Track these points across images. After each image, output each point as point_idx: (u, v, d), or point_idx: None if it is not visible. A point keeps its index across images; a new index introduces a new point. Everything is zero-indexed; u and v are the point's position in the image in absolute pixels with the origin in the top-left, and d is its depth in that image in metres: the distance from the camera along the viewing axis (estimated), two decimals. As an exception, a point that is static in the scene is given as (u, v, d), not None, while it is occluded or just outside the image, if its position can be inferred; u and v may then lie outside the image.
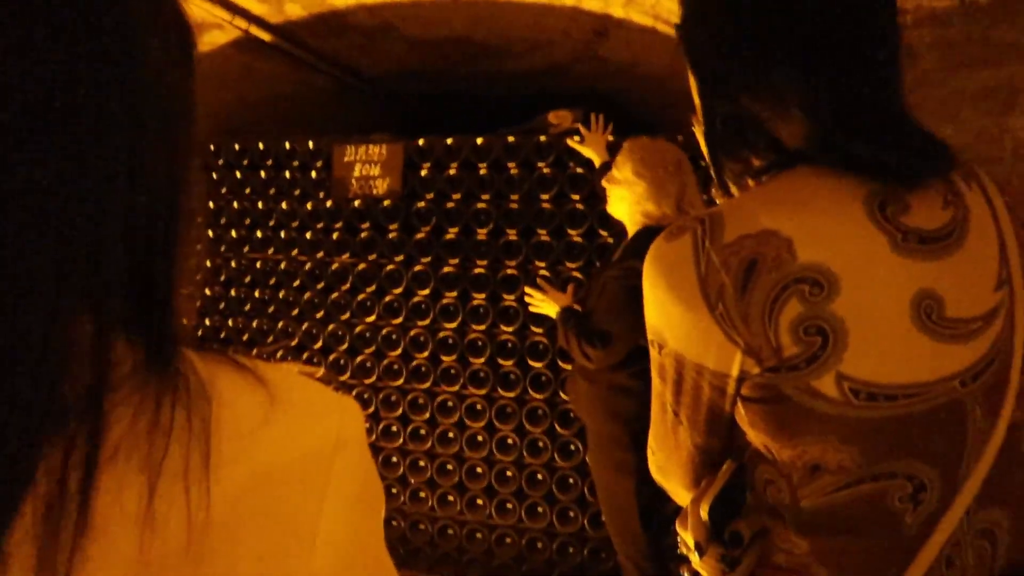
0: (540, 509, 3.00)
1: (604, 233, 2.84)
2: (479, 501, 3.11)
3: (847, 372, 0.64)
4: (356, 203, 3.26)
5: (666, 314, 0.72)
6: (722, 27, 0.74)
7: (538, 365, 2.97)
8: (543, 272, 2.95)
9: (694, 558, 0.79)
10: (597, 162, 2.62)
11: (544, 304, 2.36)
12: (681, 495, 0.85)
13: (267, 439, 0.45)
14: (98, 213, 0.40)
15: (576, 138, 2.73)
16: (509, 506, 3.06)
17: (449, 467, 3.16)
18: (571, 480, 2.95)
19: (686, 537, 0.81)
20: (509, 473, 3.05)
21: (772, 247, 0.66)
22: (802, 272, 0.65)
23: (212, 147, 3.49)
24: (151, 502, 0.39)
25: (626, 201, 2.16)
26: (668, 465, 0.83)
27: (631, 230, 2.20)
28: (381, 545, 0.52)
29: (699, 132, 0.81)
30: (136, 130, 0.42)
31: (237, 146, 3.46)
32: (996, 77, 1.78)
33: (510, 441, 3.04)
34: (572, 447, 2.93)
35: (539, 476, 3.00)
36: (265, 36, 3.21)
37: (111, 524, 0.38)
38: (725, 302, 0.67)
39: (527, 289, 2.43)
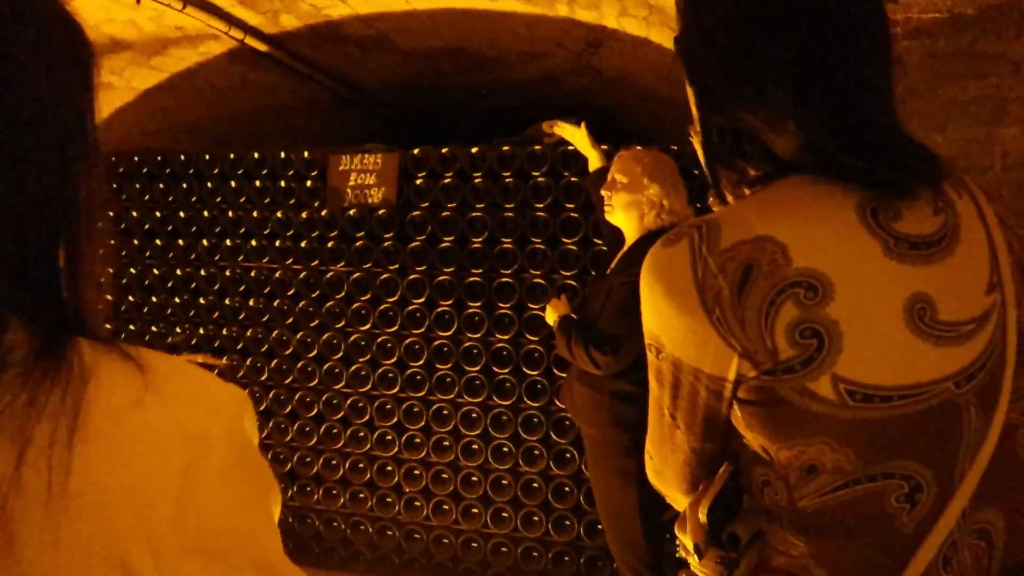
0: (536, 518, 3.00)
1: (598, 241, 2.86)
2: (475, 510, 3.11)
3: (842, 374, 0.66)
4: (351, 212, 3.27)
5: (663, 319, 0.73)
6: (718, 43, 0.75)
7: (533, 373, 2.97)
8: (537, 280, 2.97)
9: (693, 561, 0.80)
10: (592, 165, 2.53)
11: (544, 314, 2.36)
12: (678, 499, 0.86)
13: (137, 421, 0.48)
14: None
15: (560, 125, 2.62)
16: (505, 515, 3.06)
17: (444, 476, 3.15)
18: (567, 488, 2.95)
19: (685, 540, 0.82)
20: (505, 482, 3.05)
21: (767, 253, 0.67)
22: (797, 277, 0.66)
23: (208, 157, 3.49)
24: (18, 469, 0.43)
25: (635, 206, 2.16)
26: (665, 469, 0.84)
27: (631, 237, 2.21)
28: (260, 534, 0.52)
29: (696, 143, 0.83)
30: (11, 132, 0.47)
31: (232, 155, 3.47)
32: (984, 88, 1.81)
33: (505, 449, 3.04)
34: (568, 455, 2.94)
35: (535, 484, 3.00)
36: (261, 46, 3.23)
37: None
38: (722, 307, 0.68)
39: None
